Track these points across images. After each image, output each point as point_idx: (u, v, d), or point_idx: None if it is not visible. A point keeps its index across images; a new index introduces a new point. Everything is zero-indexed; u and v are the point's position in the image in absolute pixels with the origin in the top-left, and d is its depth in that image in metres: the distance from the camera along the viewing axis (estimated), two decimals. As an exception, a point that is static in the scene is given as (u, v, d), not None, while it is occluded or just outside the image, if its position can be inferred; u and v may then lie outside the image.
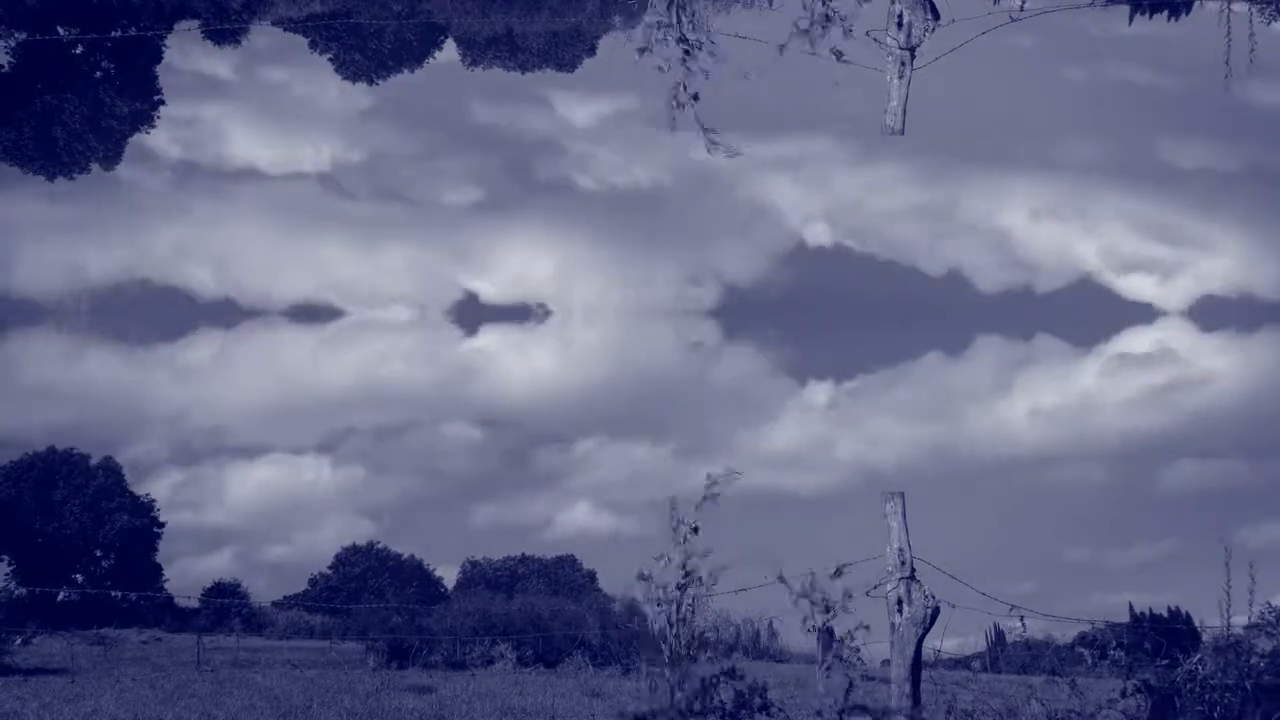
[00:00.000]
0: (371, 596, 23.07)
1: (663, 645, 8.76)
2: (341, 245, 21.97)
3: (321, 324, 21.44)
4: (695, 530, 8.93)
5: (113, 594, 22.43)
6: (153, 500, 24.55)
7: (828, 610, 8.82)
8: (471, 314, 21.37)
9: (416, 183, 22.84)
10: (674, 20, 9.71)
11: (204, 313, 21.56)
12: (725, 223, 21.53)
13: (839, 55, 9.61)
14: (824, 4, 9.64)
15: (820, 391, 20.82)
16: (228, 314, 21.50)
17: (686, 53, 9.78)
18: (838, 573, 8.77)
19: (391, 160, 23.22)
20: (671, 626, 8.80)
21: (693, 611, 8.87)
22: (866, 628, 8.83)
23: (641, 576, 8.95)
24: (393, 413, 21.72)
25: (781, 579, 8.94)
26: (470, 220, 22.49)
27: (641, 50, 9.95)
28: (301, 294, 21.51)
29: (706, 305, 21.11)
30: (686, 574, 8.91)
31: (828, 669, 8.74)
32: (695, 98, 9.90)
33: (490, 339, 21.50)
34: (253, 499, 21.87)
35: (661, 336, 21.29)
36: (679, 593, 8.88)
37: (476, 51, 27.07)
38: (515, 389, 21.90)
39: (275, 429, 21.84)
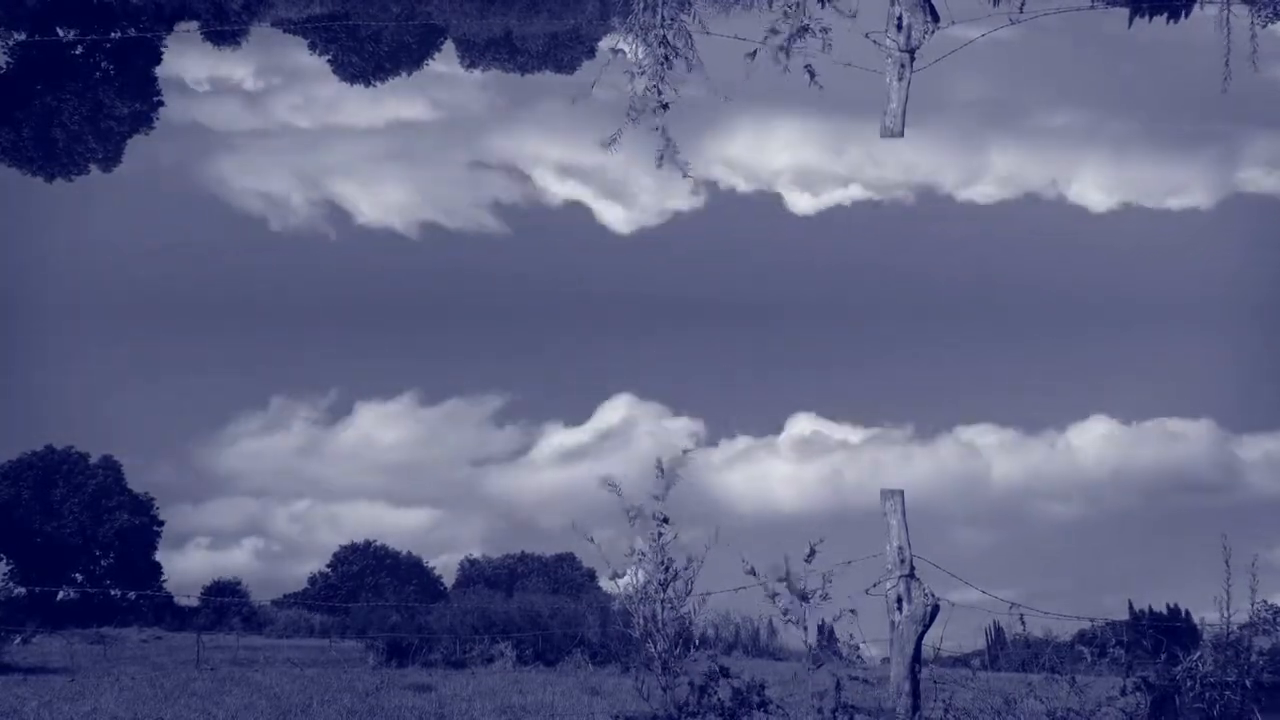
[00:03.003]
0: (370, 595, 23.06)
1: (648, 645, 8.61)
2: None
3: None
4: (665, 520, 8.74)
5: (112, 593, 22.43)
6: (152, 499, 24.47)
7: (803, 597, 8.64)
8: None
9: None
10: (657, 21, 9.48)
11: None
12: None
13: (812, 74, 9.39)
14: (799, 14, 9.34)
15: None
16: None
17: (665, 58, 9.51)
18: (811, 554, 8.59)
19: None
20: (657, 625, 8.63)
21: (675, 609, 8.67)
22: (853, 612, 8.65)
23: (615, 575, 8.76)
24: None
25: (753, 572, 8.75)
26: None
27: (615, 51, 9.62)
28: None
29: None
30: (665, 569, 8.70)
31: (815, 662, 8.61)
32: (665, 107, 9.60)
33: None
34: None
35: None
36: (661, 590, 8.68)
37: (475, 53, 27.08)
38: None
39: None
